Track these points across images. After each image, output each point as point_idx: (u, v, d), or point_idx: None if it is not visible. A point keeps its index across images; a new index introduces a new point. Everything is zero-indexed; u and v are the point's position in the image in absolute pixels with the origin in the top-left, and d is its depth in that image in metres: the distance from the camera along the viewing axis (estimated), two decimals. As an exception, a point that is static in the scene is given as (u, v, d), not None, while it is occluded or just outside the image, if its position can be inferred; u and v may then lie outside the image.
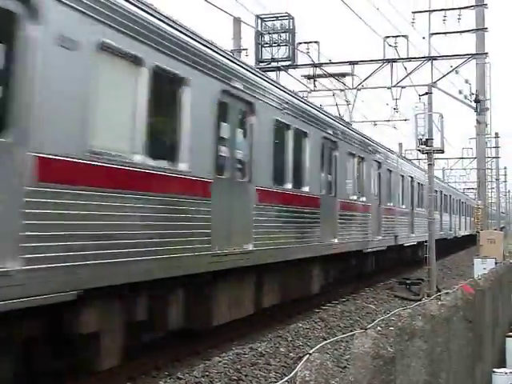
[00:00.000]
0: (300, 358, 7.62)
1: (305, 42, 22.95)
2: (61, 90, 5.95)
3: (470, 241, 48.66)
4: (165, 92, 8.01)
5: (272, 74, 20.67)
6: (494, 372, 8.41)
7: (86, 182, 6.19)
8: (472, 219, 51.82)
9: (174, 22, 8.11)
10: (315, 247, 13.16)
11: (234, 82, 9.54)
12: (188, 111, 8.20)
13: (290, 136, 11.96)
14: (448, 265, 29.57)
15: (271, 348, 9.74)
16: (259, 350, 9.49)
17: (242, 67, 10.09)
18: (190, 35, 8.47)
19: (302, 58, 22.80)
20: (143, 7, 7.38)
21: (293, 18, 22.54)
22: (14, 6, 5.34)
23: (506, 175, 63.11)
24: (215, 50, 9.14)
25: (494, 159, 46.30)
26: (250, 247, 9.91)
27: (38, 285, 5.52)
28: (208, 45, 8.93)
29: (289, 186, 11.85)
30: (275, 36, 22.35)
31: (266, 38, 22.55)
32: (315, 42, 22.98)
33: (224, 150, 9.40)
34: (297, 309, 13.66)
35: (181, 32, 8.18)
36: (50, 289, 5.67)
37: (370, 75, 22.02)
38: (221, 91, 9.16)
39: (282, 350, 9.80)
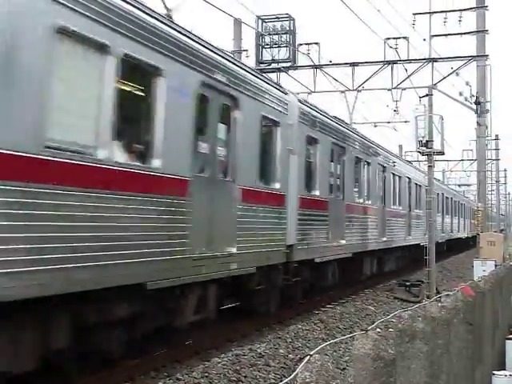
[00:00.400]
0: (300, 360, 7.60)
1: (305, 44, 22.98)
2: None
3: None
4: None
5: (272, 75, 20.69)
6: (493, 374, 8.39)
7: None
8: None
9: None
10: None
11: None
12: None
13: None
14: (447, 267, 29.55)
15: (270, 349, 9.73)
16: (258, 351, 9.47)
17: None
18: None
19: (302, 60, 22.84)
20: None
21: (293, 20, 22.56)
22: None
23: (505, 177, 63.12)
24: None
25: (494, 161, 46.27)
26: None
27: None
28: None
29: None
30: (276, 37, 22.38)
31: (267, 39, 22.57)
32: (316, 44, 23.02)
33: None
34: (296, 310, 13.65)
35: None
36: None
37: (370, 77, 22.03)
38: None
39: (281, 351, 9.78)
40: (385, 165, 20.58)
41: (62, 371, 6.78)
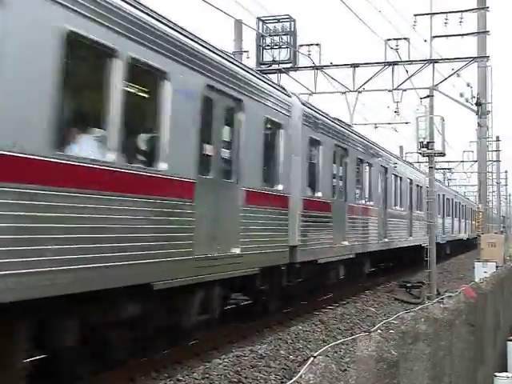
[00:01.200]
0: (304, 361, 7.58)
1: (306, 45, 22.97)
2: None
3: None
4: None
5: (273, 77, 20.67)
6: (495, 376, 8.37)
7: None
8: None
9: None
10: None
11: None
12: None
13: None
14: (448, 268, 29.51)
15: (271, 350, 9.70)
16: (259, 352, 9.45)
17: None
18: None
19: (302, 61, 22.84)
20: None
21: (294, 21, 22.55)
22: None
23: (506, 179, 63.04)
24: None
25: (495, 163, 46.24)
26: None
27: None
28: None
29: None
30: (276, 38, 22.37)
31: (268, 40, 22.56)
32: (316, 45, 23.01)
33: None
34: (297, 311, 13.63)
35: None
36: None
37: (371, 78, 22.02)
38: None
39: (282, 352, 9.75)
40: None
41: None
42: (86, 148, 6.60)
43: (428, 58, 21.52)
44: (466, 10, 22.00)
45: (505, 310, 12.04)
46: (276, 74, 22.31)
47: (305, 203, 12.64)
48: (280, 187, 11.43)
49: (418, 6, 55.04)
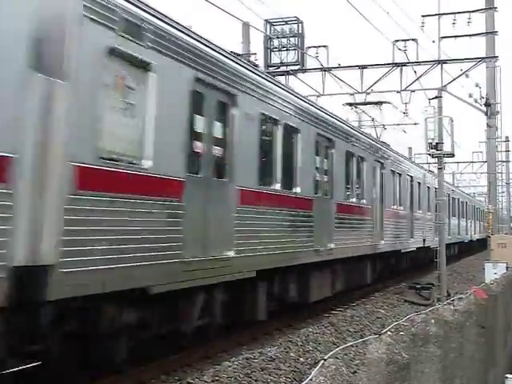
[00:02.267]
0: (315, 363, 7.59)
1: (314, 46, 22.99)
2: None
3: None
4: None
5: (281, 79, 20.68)
6: (506, 377, 8.33)
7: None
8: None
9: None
10: None
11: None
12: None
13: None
14: (458, 269, 29.38)
15: (281, 353, 9.69)
16: (269, 354, 9.43)
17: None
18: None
19: (310, 62, 22.84)
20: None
21: (302, 22, 22.57)
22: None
23: (516, 179, 62.60)
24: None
25: (505, 163, 46.04)
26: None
27: None
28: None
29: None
30: (284, 40, 22.39)
31: (275, 42, 22.58)
32: (324, 46, 23.01)
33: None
34: (307, 313, 13.61)
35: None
36: None
37: (379, 79, 21.99)
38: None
39: (292, 354, 9.74)
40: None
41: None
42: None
43: (436, 59, 21.48)
44: (474, 11, 21.95)
45: (515, 312, 11.96)
46: (284, 76, 22.34)
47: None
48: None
49: (426, 6, 54.85)
